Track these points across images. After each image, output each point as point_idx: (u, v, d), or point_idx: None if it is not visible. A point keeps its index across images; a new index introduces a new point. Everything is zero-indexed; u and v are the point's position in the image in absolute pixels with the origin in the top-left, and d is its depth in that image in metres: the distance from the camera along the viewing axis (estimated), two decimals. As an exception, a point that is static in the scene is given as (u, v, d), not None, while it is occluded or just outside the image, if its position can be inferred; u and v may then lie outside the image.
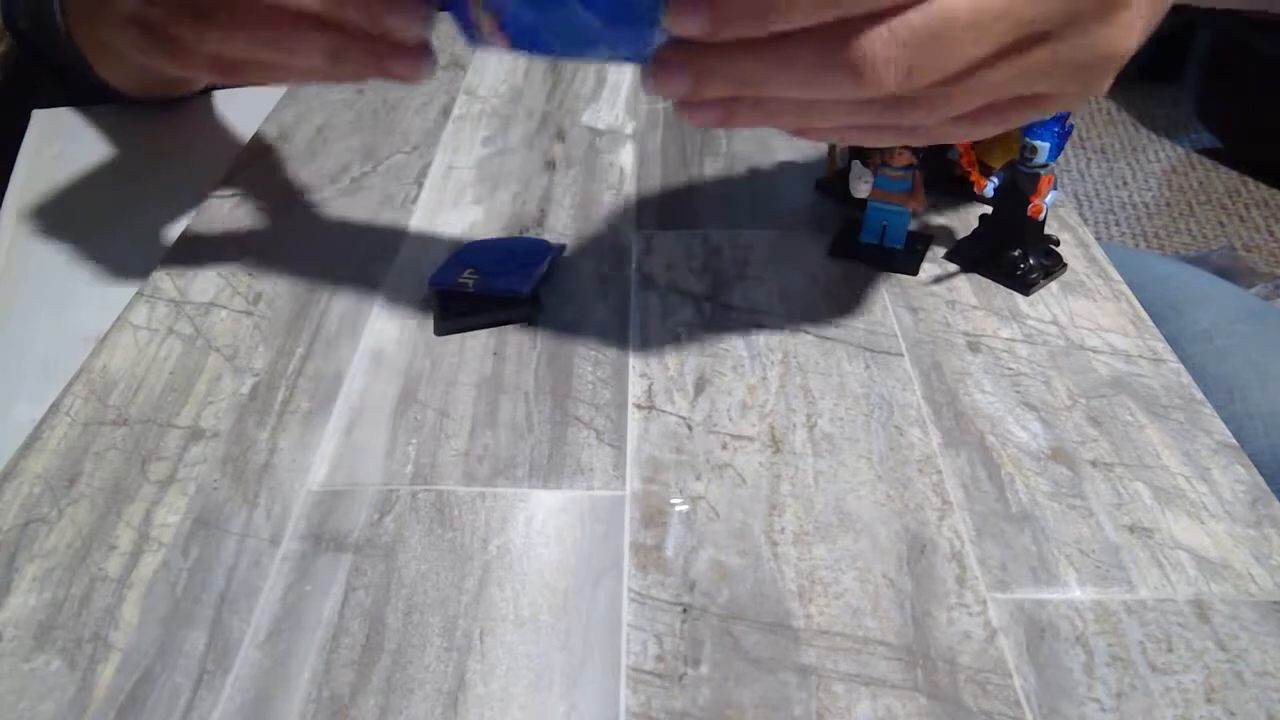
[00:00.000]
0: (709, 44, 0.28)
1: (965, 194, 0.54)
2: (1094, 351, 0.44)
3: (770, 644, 0.32)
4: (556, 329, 0.45)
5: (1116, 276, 0.49)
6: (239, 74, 0.38)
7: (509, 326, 0.45)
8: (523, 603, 0.33)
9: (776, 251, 0.50)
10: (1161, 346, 0.44)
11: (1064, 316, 0.46)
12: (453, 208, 0.54)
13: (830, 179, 0.55)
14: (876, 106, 0.30)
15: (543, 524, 0.36)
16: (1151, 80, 2.68)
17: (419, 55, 0.34)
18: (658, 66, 0.29)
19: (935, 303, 0.47)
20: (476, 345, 0.44)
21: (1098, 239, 0.52)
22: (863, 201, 0.49)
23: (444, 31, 0.33)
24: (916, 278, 0.49)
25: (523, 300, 0.45)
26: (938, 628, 0.32)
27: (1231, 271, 1.94)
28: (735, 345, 0.44)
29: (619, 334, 0.45)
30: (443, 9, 0.32)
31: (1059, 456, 0.38)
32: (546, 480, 0.37)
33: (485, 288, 0.45)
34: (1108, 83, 0.31)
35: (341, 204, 0.55)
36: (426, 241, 0.51)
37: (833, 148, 0.55)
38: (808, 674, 0.31)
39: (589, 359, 0.43)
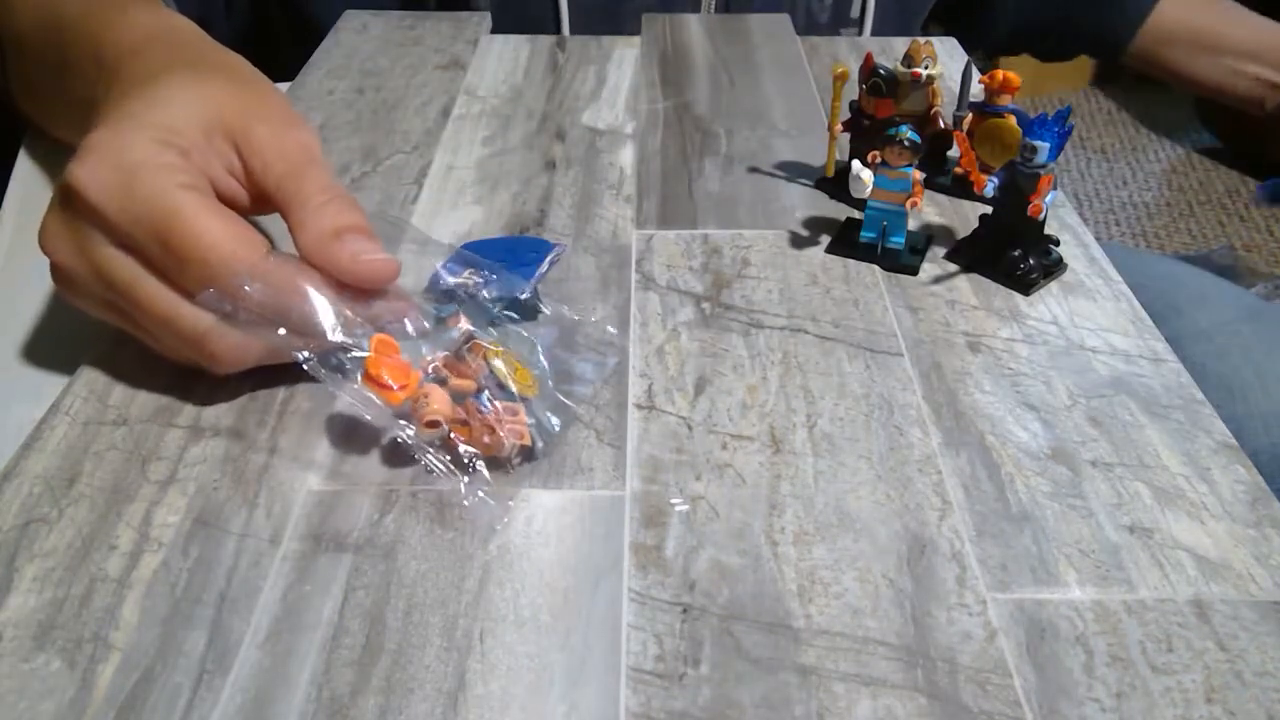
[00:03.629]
0: None
1: (965, 194, 0.54)
2: (1094, 351, 0.44)
3: (770, 644, 0.32)
4: (557, 329, 0.45)
5: (1116, 276, 0.49)
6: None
7: (509, 326, 0.45)
8: (523, 603, 0.33)
9: (776, 251, 0.50)
10: (1161, 346, 0.44)
11: (1064, 316, 0.46)
12: (453, 208, 0.54)
13: (830, 179, 0.55)
14: None
15: (543, 524, 0.36)
16: (1151, 80, 2.67)
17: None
18: None
19: (935, 303, 0.47)
20: (476, 345, 0.44)
21: (1098, 239, 0.52)
22: (863, 201, 0.49)
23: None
24: (916, 278, 0.49)
25: (523, 301, 0.45)
26: (938, 628, 0.32)
27: (1231, 271, 1.94)
28: (735, 345, 0.44)
29: (619, 334, 0.45)
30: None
31: (1059, 456, 0.38)
32: (546, 480, 0.37)
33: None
34: None
35: (341, 204, 0.54)
36: (420, 257, 0.51)
37: (833, 147, 0.55)
38: (808, 674, 0.31)
39: (589, 359, 0.43)
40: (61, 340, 0.47)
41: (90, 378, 0.42)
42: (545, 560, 0.34)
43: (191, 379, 0.41)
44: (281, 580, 0.34)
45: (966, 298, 0.47)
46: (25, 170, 0.61)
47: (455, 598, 0.33)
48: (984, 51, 1.11)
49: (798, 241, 0.51)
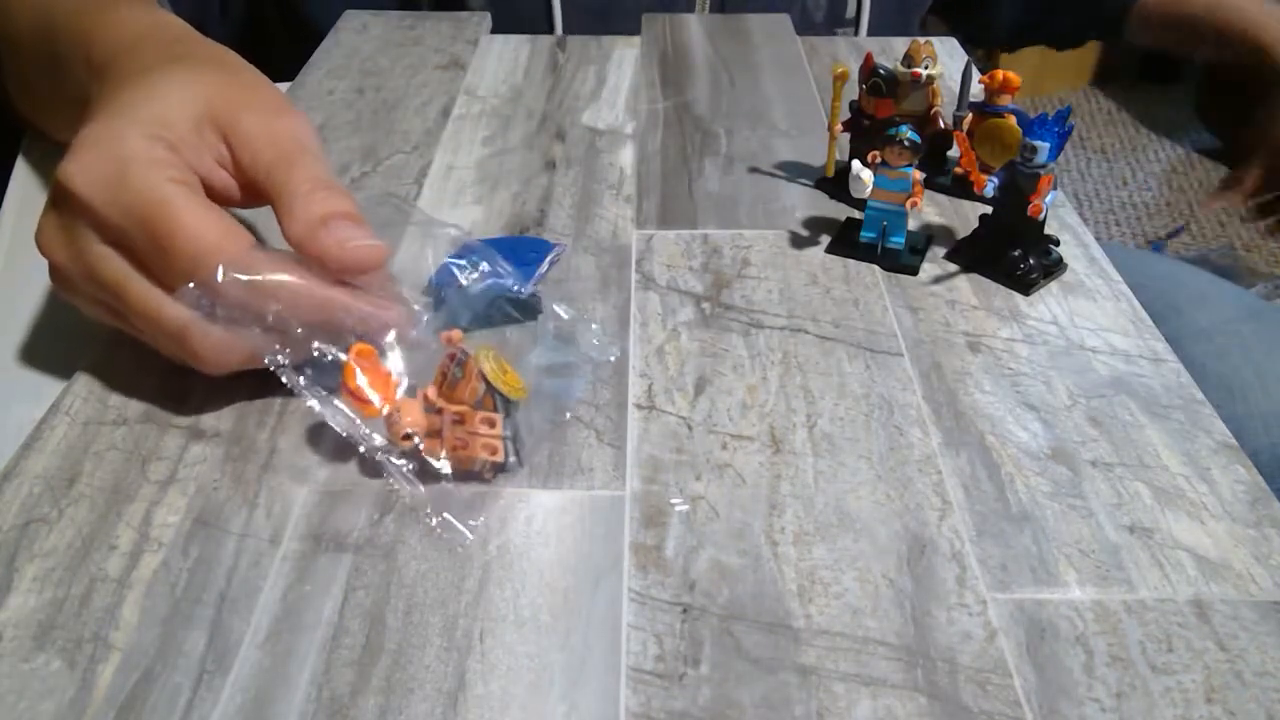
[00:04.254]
0: None
1: (965, 194, 0.54)
2: (1094, 351, 0.44)
3: (770, 644, 0.32)
4: (555, 328, 0.45)
5: (1116, 276, 0.49)
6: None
7: (509, 326, 0.45)
8: (523, 603, 0.33)
9: (776, 251, 0.50)
10: (1161, 346, 0.44)
11: (1064, 316, 0.46)
12: (453, 208, 0.54)
13: (830, 179, 0.55)
14: None
15: (543, 524, 0.36)
16: (1151, 80, 2.68)
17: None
18: None
19: (935, 303, 0.47)
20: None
21: (1098, 239, 0.52)
22: (863, 201, 0.49)
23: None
24: (916, 278, 0.49)
25: (523, 300, 0.45)
26: (938, 628, 0.32)
27: (1231, 271, 1.94)
28: (735, 345, 0.44)
29: (619, 334, 0.45)
30: None
31: (1059, 456, 0.38)
32: (546, 480, 0.37)
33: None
34: None
35: (341, 204, 0.54)
36: (426, 241, 0.51)
37: (832, 147, 0.55)
38: (808, 674, 0.31)
39: (587, 359, 0.43)
40: (61, 340, 0.47)
41: (90, 378, 0.42)
42: (545, 560, 0.34)
43: (191, 379, 0.41)
44: (281, 580, 0.34)
45: (966, 298, 0.47)
46: (25, 171, 0.61)
47: (455, 598, 0.33)
48: (986, 50, 1.11)
49: (798, 241, 0.51)
